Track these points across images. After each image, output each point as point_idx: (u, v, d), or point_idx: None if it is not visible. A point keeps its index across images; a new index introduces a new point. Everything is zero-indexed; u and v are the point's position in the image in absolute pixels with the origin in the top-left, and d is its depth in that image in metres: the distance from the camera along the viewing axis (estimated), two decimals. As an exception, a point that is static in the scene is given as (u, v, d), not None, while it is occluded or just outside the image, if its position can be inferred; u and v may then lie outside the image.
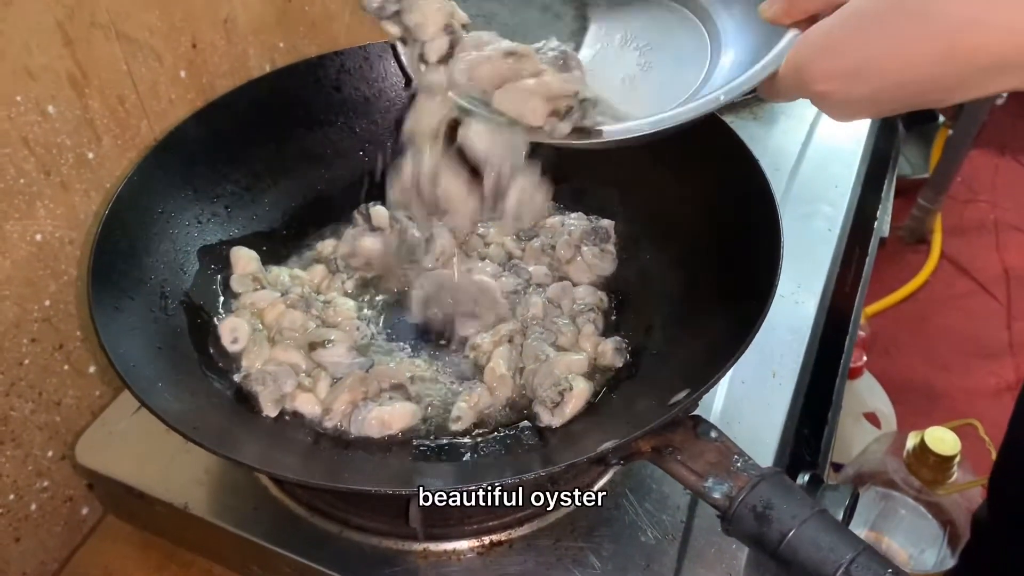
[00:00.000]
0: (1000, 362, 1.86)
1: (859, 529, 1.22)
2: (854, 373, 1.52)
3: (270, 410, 0.70)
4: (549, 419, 0.70)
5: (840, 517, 0.68)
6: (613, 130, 0.60)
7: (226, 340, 0.76)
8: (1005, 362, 1.86)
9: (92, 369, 0.82)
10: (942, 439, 1.18)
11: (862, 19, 0.47)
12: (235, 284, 0.81)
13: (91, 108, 0.76)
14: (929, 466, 1.19)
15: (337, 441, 0.70)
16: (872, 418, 1.54)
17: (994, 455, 1.10)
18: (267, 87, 0.87)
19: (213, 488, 0.73)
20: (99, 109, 0.77)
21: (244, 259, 0.82)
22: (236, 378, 0.73)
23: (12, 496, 0.76)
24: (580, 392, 0.71)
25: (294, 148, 0.89)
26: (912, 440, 1.21)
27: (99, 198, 0.79)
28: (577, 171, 0.88)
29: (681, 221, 0.81)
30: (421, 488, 0.54)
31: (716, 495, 0.55)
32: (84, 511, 0.84)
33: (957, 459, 1.18)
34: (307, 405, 0.71)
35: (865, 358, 1.53)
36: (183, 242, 0.80)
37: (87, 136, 0.77)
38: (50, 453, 0.79)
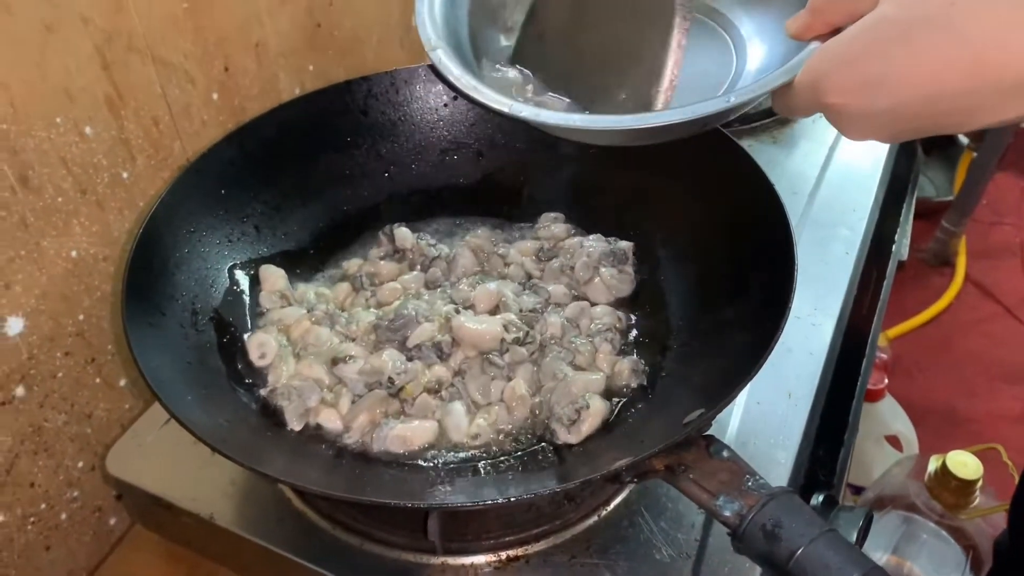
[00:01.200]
0: (1024, 386, 1.85)
1: (880, 553, 1.21)
2: (875, 396, 1.51)
3: (295, 424, 0.72)
4: (566, 436, 0.71)
5: (853, 538, 0.68)
6: (618, 120, 0.60)
7: (254, 355, 0.78)
8: (1030, 386, 1.85)
9: (123, 382, 0.84)
10: (964, 463, 1.18)
11: (884, 30, 0.46)
12: (263, 301, 0.83)
13: (126, 129, 0.79)
14: (951, 490, 1.18)
15: (358, 455, 0.72)
16: (894, 441, 1.53)
17: (1017, 480, 1.09)
18: (296, 111, 0.89)
19: (238, 500, 0.74)
20: (134, 130, 0.80)
21: (272, 277, 0.84)
22: (262, 392, 0.75)
23: (43, 505, 0.78)
24: (596, 411, 0.72)
25: (321, 170, 0.91)
26: (934, 464, 1.21)
27: (132, 216, 0.82)
28: (596, 194, 0.90)
29: (698, 243, 0.82)
30: (438, 502, 0.55)
31: (727, 513, 0.56)
32: (112, 521, 0.86)
33: (979, 484, 1.18)
34: (330, 420, 0.73)
35: (887, 381, 1.52)
36: (213, 260, 0.82)
37: (122, 156, 0.79)
38: (80, 464, 0.81)
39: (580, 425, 0.71)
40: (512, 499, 0.56)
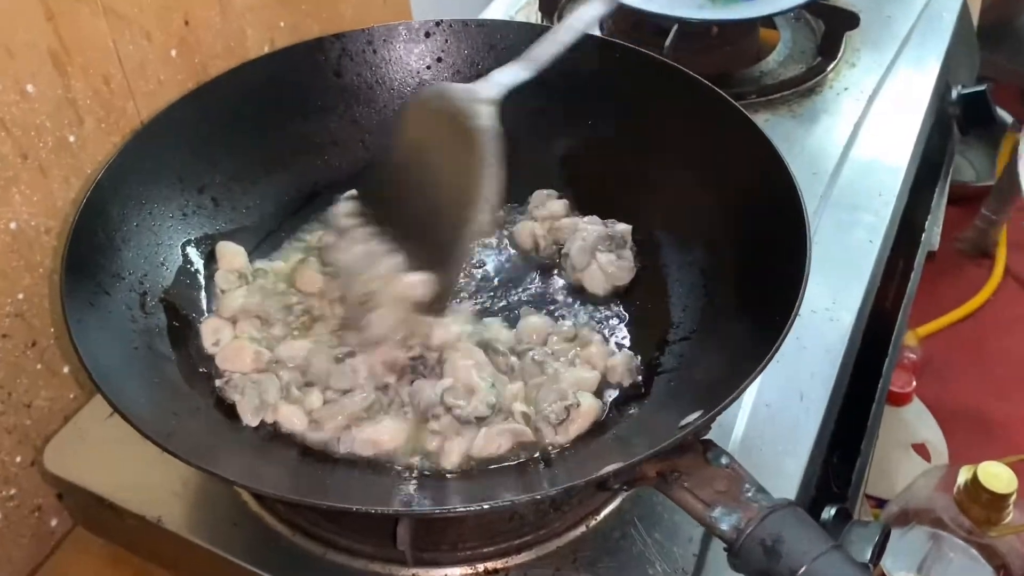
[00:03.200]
0: (1067, 392, 1.85)
1: (903, 572, 1.22)
2: (902, 399, 1.51)
3: (250, 420, 0.72)
4: (552, 437, 0.71)
5: (867, 556, 0.68)
6: None
7: (207, 342, 0.78)
8: (1072, 393, 1.85)
9: (66, 369, 0.84)
10: (997, 475, 1.17)
11: None
12: (220, 281, 0.82)
13: (73, 88, 0.78)
14: (982, 504, 1.18)
15: (324, 456, 0.71)
16: (921, 450, 1.54)
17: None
18: (262, 71, 0.89)
19: (189, 502, 0.74)
20: (82, 89, 0.79)
21: (230, 254, 0.84)
22: (217, 383, 0.75)
23: (-24, 503, 0.78)
24: (588, 410, 0.72)
25: (289, 137, 0.91)
26: (964, 475, 1.20)
27: (79, 184, 0.81)
28: (591, 172, 0.90)
29: (702, 227, 0.82)
30: (408, 508, 0.55)
31: (723, 526, 0.55)
32: (53, 522, 0.86)
33: (1013, 498, 1.18)
34: (291, 418, 0.73)
35: (915, 383, 1.52)
36: (166, 235, 0.81)
37: (68, 118, 0.79)
38: (19, 459, 0.81)
39: (569, 425, 0.71)
40: (488, 506, 0.55)
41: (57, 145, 0.78)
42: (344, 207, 0.84)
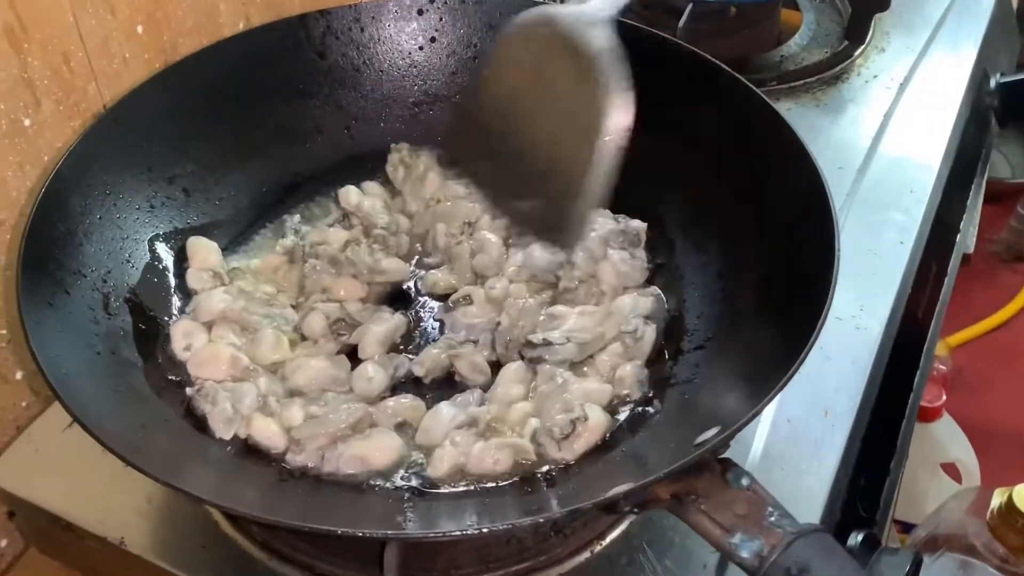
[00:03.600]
0: (1109, 408, 1.86)
1: (932, 604, 1.22)
2: (931, 415, 1.52)
3: (222, 432, 0.71)
4: (556, 453, 0.71)
5: (897, 587, 0.68)
6: None
7: (178, 346, 0.77)
8: (1114, 409, 1.86)
9: (19, 375, 0.84)
10: (1034, 499, 1.18)
11: None
12: (192, 281, 0.82)
13: (30, 67, 0.78)
14: (1017, 530, 1.19)
15: (305, 473, 0.71)
16: (951, 470, 1.54)
17: (1094, 521, 1.10)
18: (238, 50, 0.89)
19: (155, 521, 0.74)
20: (39, 68, 0.79)
21: (203, 251, 0.83)
22: (188, 392, 0.75)
23: (-81, 521, 0.78)
24: (596, 424, 0.72)
25: (268, 123, 0.91)
26: (998, 498, 1.21)
27: (36, 173, 0.81)
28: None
29: (720, 226, 0.82)
30: (396, 531, 0.54)
31: (744, 554, 0.55)
32: (2, 543, 0.85)
33: (1051, 524, 1.18)
34: (266, 433, 0.72)
35: (945, 397, 1.52)
36: (132, 229, 0.81)
37: (24, 99, 0.78)
38: (-34, 473, 0.81)
39: (574, 440, 0.70)
40: (485, 530, 0.55)
41: (11, 129, 0.78)
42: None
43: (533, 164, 0.73)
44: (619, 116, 0.68)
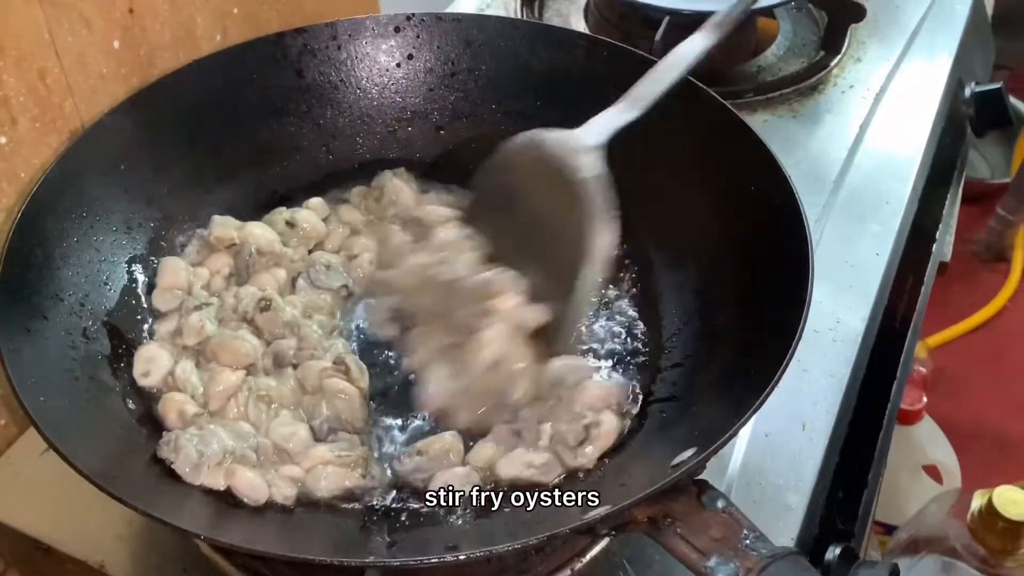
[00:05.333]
0: (1090, 408, 1.87)
1: (914, 607, 1.23)
2: (912, 417, 1.52)
3: (190, 478, 0.69)
4: (572, 461, 0.71)
5: (876, 601, 0.69)
6: None
7: (137, 372, 0.76)
8: (1096, 409, 1.87)
9: (-4, 396, 0.83)
10: (1014, 500, 1.18)
11: None
12: (157, 301, 0.81)
13: (5, 84, 0.78)
14: (997, 532, 1.19)
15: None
16: (933, 472, 1.55)
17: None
18: (216, 68, 0.89)
19: (135, 545, 0.74)
20: (14, 85, 0.79)
21: (173, 269, 0.82)
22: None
23: None
24: (609, 428, 0.72)
25: (246, 142, 0.91)
26: (979, 500, 1.22)
27: (12, 191, 0.81)
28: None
29: (697, 242, 0.83)
30: (373, 559, 0.55)
31: (720, 577, 0.56)
32: (-18, 564, 0.85)
33: (1031, 525, 1.19)
34: (245, 484, 0.69)
35: (925, 399, 1.53)
36: (109, 251, 0.81)
37: (0, 117, 0.78)
38: (-55, 494, 0.80)
39: (588, 445, 0.71)
40: (464, 557, 0.56)
41: (-13, 148, 0.78)
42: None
43: (536, 246, 0.78)
44: (603, 241, 0.72)
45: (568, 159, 0.74)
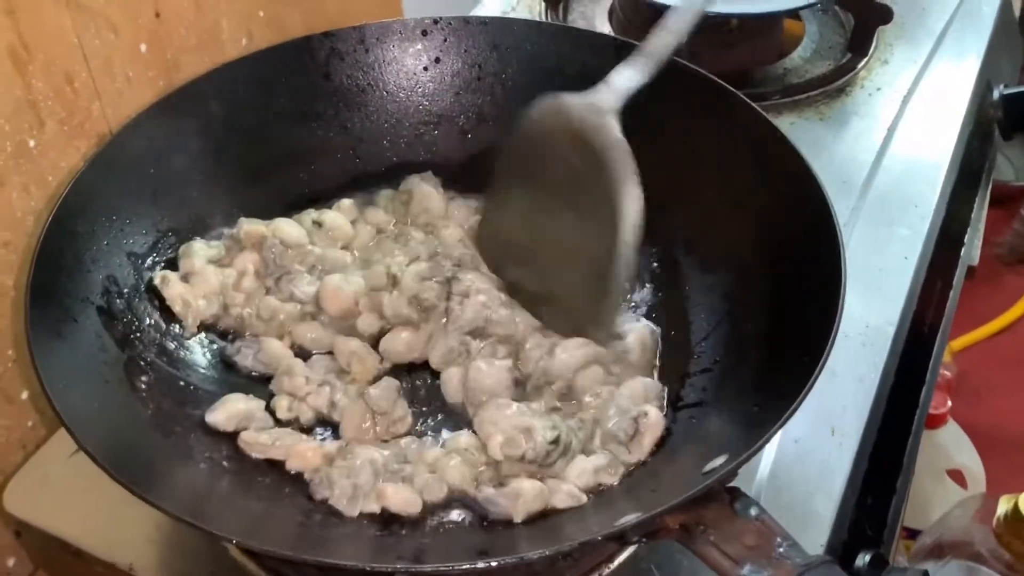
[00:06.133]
0: (1117, 412, 1.85)
1: (938, 612, 1.22)
2: (936, 421, 1.51)
3: (348, 510, 0.70)
4: (626, 456, 0.71)
5: (907, 608, 0.68)
6: None
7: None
8: (1123, 413, 1.85)
9: (25, 395, 0.84)
10: (1040, 506, 1.18)
11: None
12: (188, 305, 0.82)
13: (34, 88, 0.78)
14: (1023, 538, 1.19)
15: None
16: (957, 476, 1.54)
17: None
18: (243, 73, 0.89)
19: (164, 548, 0.74)
20: (43, 89, 0.79)
21: (202, 274, 0.83)
22: (206, 417, 0.74)
23: (-73, 542, 0.78)
24: (655, 421, 0.73)
25: (273, 145, 0.91)
26: (1004, 505, 1.20)
27: (40, 194, 0.81)
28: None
29: (725, 246, 0.82)
30: (404, 565, 0.55)
31: (753, 587, 0.55)
32: (11, 562, 0.86)
33: (1057, 531, 1.18)
34: (401, 501, 0.70)
35: (950, 403, 1.52)
36: (138, 255, 0.81)
37: (28, 121, 0.78)
38: (-33, 491, 0.80)
39: (641, 439, 0.72)
40: (496, 564, 0.55)
41: (16, 151, 0.78)
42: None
43: (560, 264, 0.77)
44: (632, 205, 0.70)
45: (591, 121, 0.73)
